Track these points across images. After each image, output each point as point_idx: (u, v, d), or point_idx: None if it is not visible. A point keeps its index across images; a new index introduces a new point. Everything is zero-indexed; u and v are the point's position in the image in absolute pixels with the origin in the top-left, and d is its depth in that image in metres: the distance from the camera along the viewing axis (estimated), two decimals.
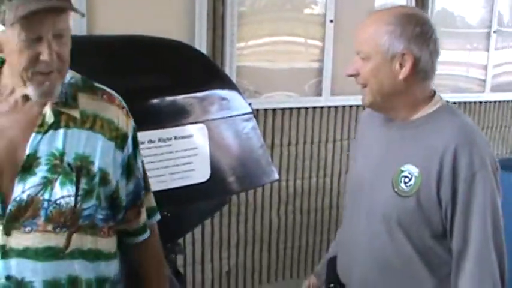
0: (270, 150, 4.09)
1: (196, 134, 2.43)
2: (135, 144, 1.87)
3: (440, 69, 5.28)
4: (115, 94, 1.85)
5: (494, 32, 5.47)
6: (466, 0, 5.35)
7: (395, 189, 1.90)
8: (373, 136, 2.12)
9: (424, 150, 1.89)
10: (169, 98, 2.41)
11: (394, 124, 2.02)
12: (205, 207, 2.62)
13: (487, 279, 1.84)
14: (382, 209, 1.95)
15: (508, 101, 5.77)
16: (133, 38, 2.67)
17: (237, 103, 2.62)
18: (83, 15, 1.71)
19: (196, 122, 2.43)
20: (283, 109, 4.23)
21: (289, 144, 4.30)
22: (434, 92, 2.01)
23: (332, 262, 2.27)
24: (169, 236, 2.57)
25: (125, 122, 1.81)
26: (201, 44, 3.75)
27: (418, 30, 1.89)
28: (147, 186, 1.96)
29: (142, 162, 1.93)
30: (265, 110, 4.15)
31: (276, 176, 2.77)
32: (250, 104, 2.68)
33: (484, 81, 5.55)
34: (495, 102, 5.67)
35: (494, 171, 1.87)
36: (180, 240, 2.86)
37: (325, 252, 4.04)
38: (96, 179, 1.70)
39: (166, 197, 2.38)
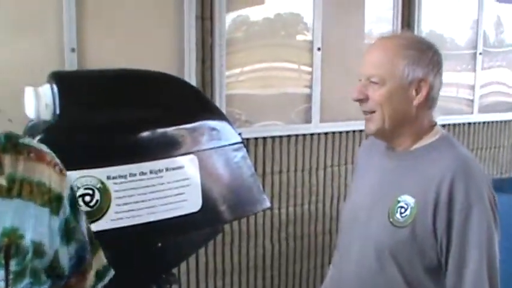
0: (262, 179, 4.11)
1: (187, 165, 2.45)
2: (74, 203, 1.62)
3: None
4: (45, 149, 1.58)
5: (480, 53, 5.53)
6: (453, 22, 5.41)
7: (391, 219, 1.87)
8: (372, 166, 2.10)
9: (421, 181, 1.86)
10: (159, 130, 2.43)
11: (394, 154, 2.00)
12: (199, 236, 2.63)
13: None
14: (375, 239, 1.92)
15: (496, 122, 5.83)
16: (123, 71, 2.69)
17: (227, 133, 2.65)
18: None
19: (187, 153, 2.46)
20: (273, 137, 4.26)
21: (280, 172, 4.33)
22: (435, 123, 2.02)
23: None
24: (163, 266, 2.59)
25: (58, 181, 1.55)
26: (191, 76, 3.78)
27: (436, 59, 1.91)
28: (93, 247, 1.73)
29: (87, 222, 1.71)
30: (256, 138, 4.17)
31: (268, 204, 2.79)
32: (240, 134, 2.71)
33: (472, 101, 5.60)
34: (484, 123, 5.71)
35: (491, 204, 1.84)
36: (175, 271, 2.87)
37: (320, 278, 4.06)
38: (29, 255, 1.44)
39: (158, 227, 2.40)
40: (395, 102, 1.89)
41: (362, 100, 1.93)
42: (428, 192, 1.81)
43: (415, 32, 4.89)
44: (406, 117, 1.91)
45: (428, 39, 1.99)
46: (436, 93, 1.95)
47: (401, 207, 1.86)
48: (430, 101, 1.93)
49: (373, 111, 1.92)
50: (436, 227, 1.80)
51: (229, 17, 4.05)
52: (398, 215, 1.86)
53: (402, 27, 4.90)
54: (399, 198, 1.87)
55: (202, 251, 4.08)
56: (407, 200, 1.85)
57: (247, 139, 3.90)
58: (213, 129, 2.59)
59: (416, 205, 1.83)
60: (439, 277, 1.85)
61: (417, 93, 1.88)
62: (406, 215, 1.84)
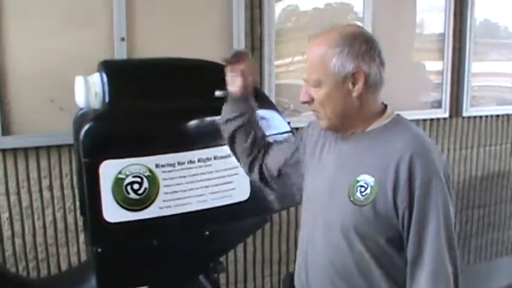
0: None
1: None
2: None
3: (484, 80, 5.20)
4: None
5: None
6: (508, 10, 5.25)
7: (351, 199, 1.91)
8: (327, 148, 2.12)
9: (379, 161, 1.90)
10: (208, 119, 2.44)
11: (349, 136, 2.02)
12: (246, 225, 2.63)
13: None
14: (339, 220, 1.95)
15: None
16: (172, 60, 2.71)
17: (276, 122, 2.64)
18: None
19: None
20: None
21: None
22: (386, 106, 2.04)
23: (290, 278, 2.30)
24: (211, 255, 2.60)
25: None
26: None
27: (364, 48, 1.91)
28: None
29: None
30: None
31: None
32: (289, 123, 2.70)
33: None
34: None
35: (446, 178, 1.90)
36: (222, 259, 2.88)
37: None
38: None
39: (207, 216, 2.41)
40: (335, 100, 1.94)
41: (308, 102, 2.00)
42: (388, 172, 1.86)
43: (468, 21, 4.81)
44: (350, 109, 1.95)
45: (358, 29, 2.00)
46: (375, 77, 1.94)
47: (361, 186, 1.90)
48: (371, 87, 1.94)
49: (320, 111, 1.98)
50: (397, 204, 1.85)
51: (279, 7, 4.03)
52: (358, 194, 1.90)
53: (455, 15, 4.81)
54: (358, 178, 1.91)
55: (250, 240, 4.08)
56: (367, 179, 1.90)
57: (296, 128, 3.88)
58: (262, 118, 2.57)
59: (376, 184, 1.87)
60: (401, 247, 1.90)
61: (354, 86, 1.91)
62: (366, 194, 1.88)
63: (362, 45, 1.91)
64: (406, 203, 1.84)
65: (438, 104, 4.90)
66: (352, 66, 1.89)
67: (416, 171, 1.84)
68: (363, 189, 1.90)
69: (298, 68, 4.22)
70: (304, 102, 2.01)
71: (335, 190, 1.99)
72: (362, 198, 1.89)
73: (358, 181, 1.91)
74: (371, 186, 1.88)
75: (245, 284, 4.19)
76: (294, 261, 4.21)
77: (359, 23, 4.31)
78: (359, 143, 1.99)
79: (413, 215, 1.85)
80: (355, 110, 1.96)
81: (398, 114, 2.04)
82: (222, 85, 2.57)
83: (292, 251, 4.29)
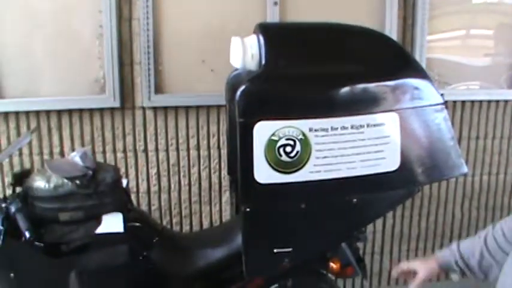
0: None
1: (388, 123, 2.40)
2: None
3: None
4: None
5: None
6: None
7: None
8: None
9: None
10: (362, 86, 2.39)
11: None
12: (394, 196, 2.58)
13: None
14: None
15: None
16: (327, 25, 2.68)
17: (429, 93, 2.56)
18: None
19: (388, 111, 2.41)
20: (472, 101, 4.08)
21: (477, 137, 4.14)
22: None
23: None
24: (356, 223, 2.59)
25: None
26: (391, 33, 3.70)
27: None
28: None
29: None
30: (454, 102, 4.03)
31: (466, 170, 2.68)
32: (442, 95, 2.61)
33: None
34: None
35: None
36: (364, 229, 2.86)
37: None
38: None
39: (355, 183, 2.39)
40: None
41: None
42: None
43: None
44: None
45: None
46: None
47: None
48: None
49: None
50: None
51: None
52: None
53: None
54: None
55: (389, 213, 4.03)
56: None
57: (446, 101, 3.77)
58: (416, 88, 2.51)
59: None
60: None
61: None
62: None
63: None
64: None
65: None
66: None
67: None
68: None
69: (451, 44, 4.09)
70: None
71: None
72: None
73: None
74: None
75: (381, 255, 4.15)
76: (433, 239, 4.17)
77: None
78: None
79: None
80: None
81: None
82: (376, 51, 2.54)
83: (432, 228, 4.21)
